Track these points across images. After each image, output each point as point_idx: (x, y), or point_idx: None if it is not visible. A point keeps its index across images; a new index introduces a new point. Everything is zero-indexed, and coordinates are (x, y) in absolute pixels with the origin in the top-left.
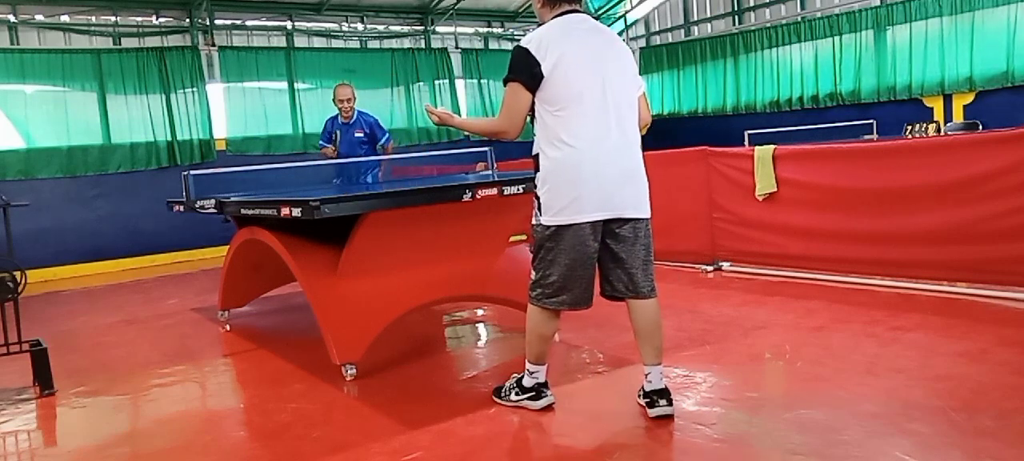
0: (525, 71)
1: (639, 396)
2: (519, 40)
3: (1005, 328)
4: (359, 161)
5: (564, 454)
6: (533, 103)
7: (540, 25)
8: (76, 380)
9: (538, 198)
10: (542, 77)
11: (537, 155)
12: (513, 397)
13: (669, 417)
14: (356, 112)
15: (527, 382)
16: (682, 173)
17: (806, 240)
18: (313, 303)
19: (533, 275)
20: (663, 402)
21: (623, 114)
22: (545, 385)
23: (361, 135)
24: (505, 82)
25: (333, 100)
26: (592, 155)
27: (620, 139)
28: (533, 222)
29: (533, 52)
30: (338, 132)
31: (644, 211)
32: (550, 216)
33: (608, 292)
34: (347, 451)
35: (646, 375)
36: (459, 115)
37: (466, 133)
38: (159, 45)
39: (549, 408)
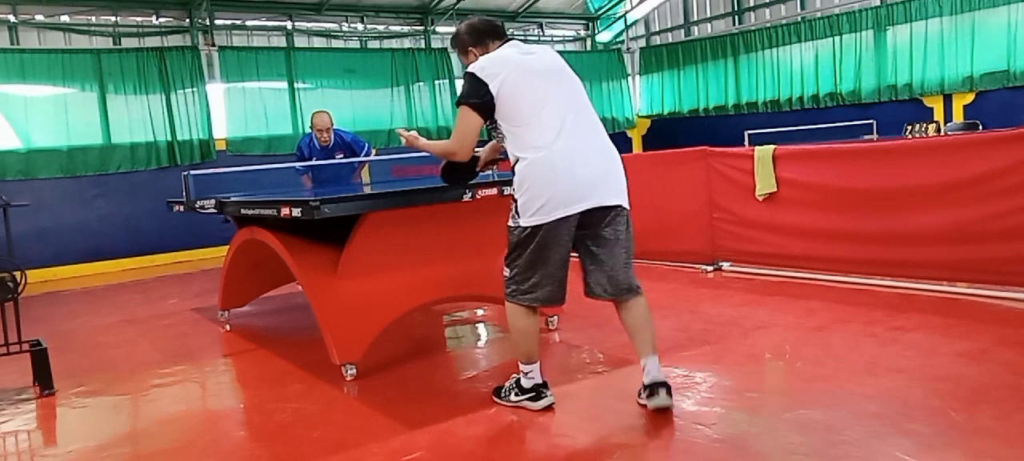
0: (474, 94)
1: (639, 395)
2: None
3: (1005, 328)
4: (351, 162)
5: (564, 454)
6: (497, 124)
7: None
8: (76, 380)
9: (516, 201)
10: (491, 97)
11: (516, 162)
12: (513, 398)
13: (668, 408)
14: (333, 134)
15: (525, 383)
16: (682, 173)
17: (806, 240)
18: (313, 303)
19: (507, 272)
20: (662, 391)
21: (583, 113)
22: (545, 385)
23: (342, 157)
24: (457, 105)
25: (311, 127)
26: (563, 154)
27: (589, 135)
28: (510, 224)
29: (480, 75)
30: (316, 158)
31: (621, 199)
32: (528, 217)
33: (589, 293)
34: (347, 451)
35: (643, 368)
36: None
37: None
38: (159, 45)
39: (549, 408)
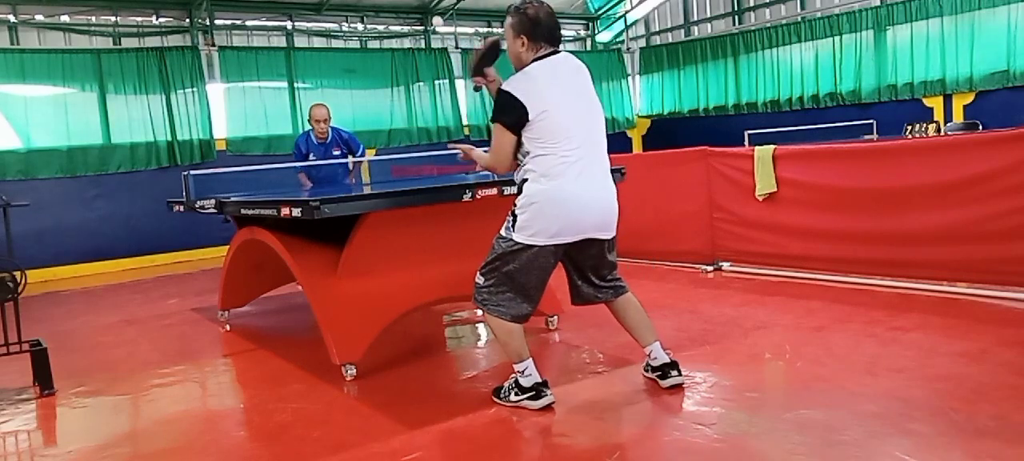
0: (511, 114)
1: (646, 371)
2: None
3: (1005, 328)
4: (352, 161)
5: (564, 454)
6: (521, 137)
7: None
8: (76, 380)
9: (515, 216)
10: (526, 116)
11: (524, 180)
12: (512, 398)
13: (682, 385)
14: (330, 130)
15: (524, 382)
16: (682, 173)
17: (806, 240)
18: (313, 303)
19: (481, 280)
20: (674, 372)
21: (602, 149)
22: (544, 384)
23: (338, 153)
24: (491, 121)
25: (309, 119)
26: (578, 190)
27: (602, 174)
28: (502, 234)
29: (520, 97)
30: (313, 154)
31: (611, 232)
32: (524, 235)
33: (579, 301)
34: (347, 451)
35: (649, 354)
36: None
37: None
38: (159, 45)
39: (549, 408)
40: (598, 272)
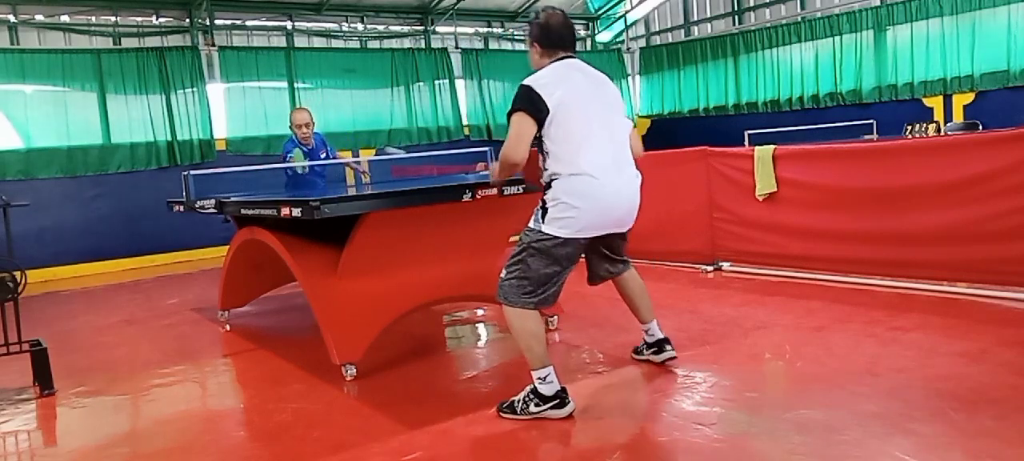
0: (531, 105)
1: (640, 352)
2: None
3: (1005, 328)
4: (340, 163)
5: (564, 454)
6: (542, 139)
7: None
8: (76, 380)
9: (545, 208)
10: (547, 111)
11: (552, 180)
12: (533, 408)
13: (675, 358)
14: (313, 136)
15: (545, 390)
16: (682, 173)
17: (806, 240)
18: (313, 303)
19: (505, 274)
20: (669, 347)
21: (626, 149)
22: (565, 391)
23: (325, 156)
24: (509, 115)
25: (290, 125)
26: (609, 186)
27: (629, 172)
28: (531, 225)
29: (538, 90)
30: (306, 158)
31: (631, 224)
32: (556, 227)
33: (596, 281)
34: (347, 451)
35: (646, 331)
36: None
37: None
38: (159, 45)
39: (571, 416)
40: (616, 250)
